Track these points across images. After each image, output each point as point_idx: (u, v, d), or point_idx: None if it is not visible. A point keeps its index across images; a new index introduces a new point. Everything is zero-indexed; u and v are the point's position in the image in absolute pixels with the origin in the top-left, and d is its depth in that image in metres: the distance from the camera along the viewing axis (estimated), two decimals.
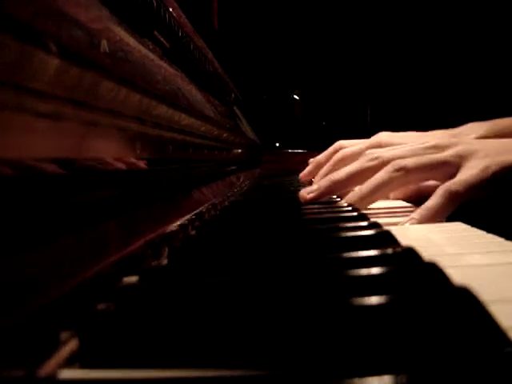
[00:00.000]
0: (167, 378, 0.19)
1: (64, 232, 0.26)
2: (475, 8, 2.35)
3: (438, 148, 0.63)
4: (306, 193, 0.70)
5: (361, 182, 0.66)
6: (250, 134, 1.74)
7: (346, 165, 0.73)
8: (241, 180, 1.20)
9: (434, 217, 0.54)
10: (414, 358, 0.19)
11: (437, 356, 0.19)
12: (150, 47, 0.57)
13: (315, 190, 0.69)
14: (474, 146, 0.60)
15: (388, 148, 0.70)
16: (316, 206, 0.65)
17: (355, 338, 0.20)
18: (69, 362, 0.21)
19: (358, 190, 0.65)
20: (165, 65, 0.60)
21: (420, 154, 0.62)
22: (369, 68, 2.72)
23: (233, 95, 1.47)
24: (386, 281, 0.27)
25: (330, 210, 0.60)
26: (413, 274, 0.27)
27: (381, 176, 0.62)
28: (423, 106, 2.49)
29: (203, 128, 0.70)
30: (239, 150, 1.26)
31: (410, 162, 0.61)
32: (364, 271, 0.27)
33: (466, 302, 0.21)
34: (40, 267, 0.23)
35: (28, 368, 0.19)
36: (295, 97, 2.78)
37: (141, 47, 0.50)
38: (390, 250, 0.32)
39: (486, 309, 0.21)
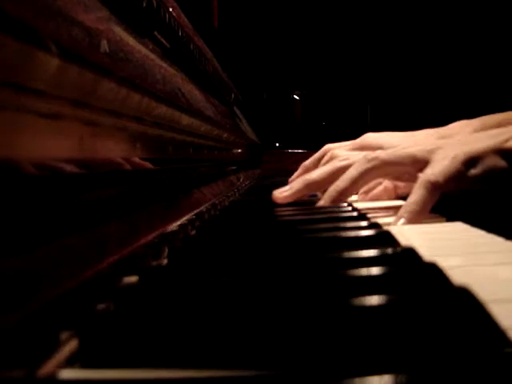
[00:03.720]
0: (167, 378, 0.19)
1: (64, 232, 0.26)
2: (475, 7, 2.35)
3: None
4: (278, 193, 0.70)
5: (333, 182, 0.66)
6: (250, 134, 1.74)
7: None
8: (241, 180, 1.19)
9: (422, 210, 0.53)
10: (414, 358, 0.19)
11: (437, 356, 0.19)
12: (150, 47, 0.57)
13: (288, 190, 0.69)
14: (440, 142, 0.61)
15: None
16: (316, 206, 0.65)
17: (355, 338, 0.20)
18: (69, 362, 0.20)
19: (334, 186, 0.65)
20: (165, 65, 0.60)
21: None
22: (369, 68, 2.72)
23: (233, 95, 1.47)
24: (386, 281, 0.27)
25: (329, 209, 0.60)
26: (413, 274, 0.27)
27: (355, 168, 0.63)
28: (423, 106, 2.49)
29: (203, 128, 0.70)
30: (239, 150, 1.26)
31: (382, 153, 0.62)
32: (364, 271, 0.27)
33: (466, 302, 0.21)
34: (40, 267, 0.23)
35: (28, 368, 0.19)
36: (295, 97, 2.78)
37: (141, 47, 0.50)
38: (389, 250, 0.32)
39: (485, 309, 0.21)
